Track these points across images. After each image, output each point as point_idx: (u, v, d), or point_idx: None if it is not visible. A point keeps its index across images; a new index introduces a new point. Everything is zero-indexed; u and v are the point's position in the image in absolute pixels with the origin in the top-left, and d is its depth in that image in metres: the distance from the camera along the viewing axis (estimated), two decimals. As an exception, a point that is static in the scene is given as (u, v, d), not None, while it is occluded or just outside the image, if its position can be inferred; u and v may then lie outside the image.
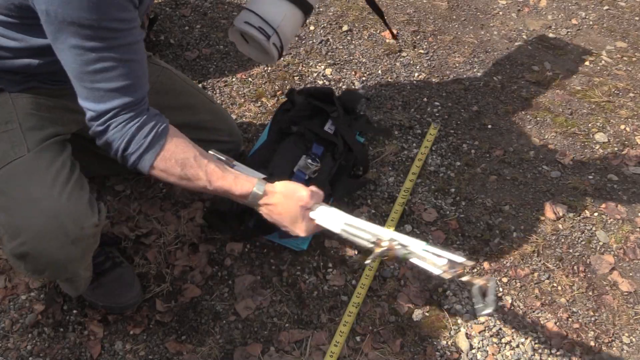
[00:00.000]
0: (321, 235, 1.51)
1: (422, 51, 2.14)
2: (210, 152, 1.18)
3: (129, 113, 1.01)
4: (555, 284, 1.47)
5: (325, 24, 2.24)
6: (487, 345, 1.35)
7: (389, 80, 2.01)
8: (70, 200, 1.06)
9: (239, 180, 1.11)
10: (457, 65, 2.10)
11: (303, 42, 2.15)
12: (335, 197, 1.56)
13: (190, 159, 1.07)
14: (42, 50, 1.03)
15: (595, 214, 1.63)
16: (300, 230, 1.15)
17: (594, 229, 1.60)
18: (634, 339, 1.38)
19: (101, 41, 0.92)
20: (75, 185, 1.09)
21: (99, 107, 0.99)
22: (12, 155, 1.07)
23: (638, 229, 1.60)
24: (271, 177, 1.45)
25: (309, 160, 1.51)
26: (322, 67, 2.04)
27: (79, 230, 1.07)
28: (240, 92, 1.94)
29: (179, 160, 1.06)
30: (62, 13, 0.88)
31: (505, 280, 1.47)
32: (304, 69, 2.03)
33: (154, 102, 1.41)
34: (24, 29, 1.02)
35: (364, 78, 2.01)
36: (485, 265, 1.50)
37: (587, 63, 2.13)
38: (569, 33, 2.27)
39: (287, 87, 1.92)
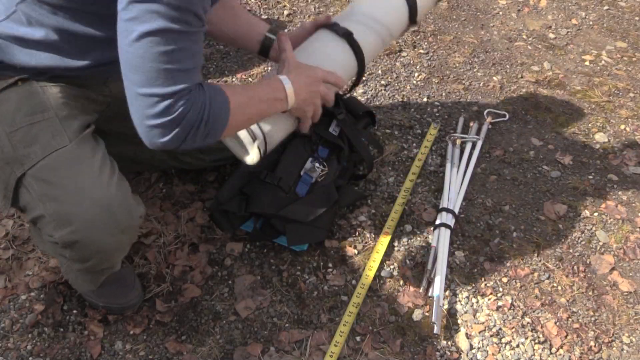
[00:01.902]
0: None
1: (422, 51, 2.14)
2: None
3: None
4: (555, 284, 1.47)
5: (325, 24, 2.24)
6: (487, 345, 1.35)
7: (389, 80, 2.01)
8: (119, 190, 1.10)
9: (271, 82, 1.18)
10: (457, 65, 2.10)
11: (303, 42, 2.15)
12: (341, 205, 1.56)
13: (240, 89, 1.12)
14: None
15: (595, 214, 1.63)
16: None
17: (594, 229, 1.60)
18: (634, 339, 1.38)
19: (186, 25, 0.93)
20: (120, 176, 1.13)
21: (170, 89, 0.95)
22: (55, 145, 1.08)
23: (638, 229, 1.60)
24: (280, 181, 1.46)
25: (316, 164, 1.51)
26: (322, 67, 2.04)
27: (129, 220, 1.11)
28: (240, 92, 1.94)
29: (239, 91, 1.10)
30: None
31: (505, 280, 1.47)
32: (304, 69, 2.03)
33: None
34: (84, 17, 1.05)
35: (364, 78, 2.01)
36: (486, 265, 1.50)
37: (587, 63, 2.13)
38: (569, 33, 2.27)
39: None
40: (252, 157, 1.22)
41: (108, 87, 1.26)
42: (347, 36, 1.29)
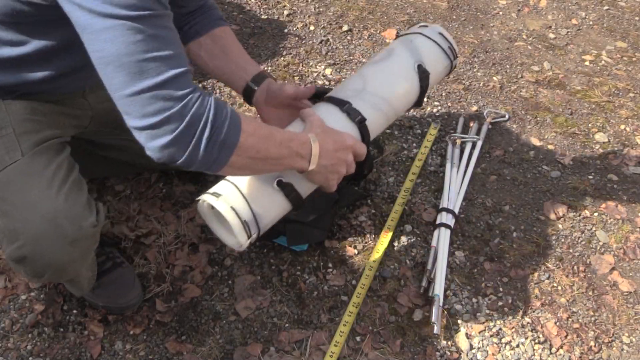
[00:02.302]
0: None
1: (422, 51, 2.14)
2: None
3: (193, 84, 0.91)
4: (555, 284, 1.47)
5: (325, 24, 2.24)
6: (487, 345, 1.35)
7: (389, 80, 2.01)
8: (68, 201, 1.06)
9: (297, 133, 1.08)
10: (457, 65, 2.10)
11: (303, 42, 2.15)
12: (341, 205, 1.56)
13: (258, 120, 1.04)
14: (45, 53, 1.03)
15: (595, 214, 1.63)
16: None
17: (594, 229, 1.60)
18: (634, 339, 1.38)
19: (145, 10, 0.85)
20: (73, 186, 1.09)
21: (159, 78, 0.85)
22: (7, 160, 1.06)
23: (638, 229, 1.60)
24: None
25: None
26: (322, 67, 2.04)
27: (77, 231, 1.06)
28: (240, 92, 1.94)
29: (259, 123, 1.01)
30: None
31: (505, 280, 1.47)
32: (304, 68, 2.03)
33: None
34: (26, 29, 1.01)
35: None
36: (486, 265, 1.50)
37: (587, 63, 2.13)
38: (569, 33, 2.27)
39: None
40: (241, 243, 1.12)
41: (87, 100, 1.24)
42: (360, 123, 1.21)
